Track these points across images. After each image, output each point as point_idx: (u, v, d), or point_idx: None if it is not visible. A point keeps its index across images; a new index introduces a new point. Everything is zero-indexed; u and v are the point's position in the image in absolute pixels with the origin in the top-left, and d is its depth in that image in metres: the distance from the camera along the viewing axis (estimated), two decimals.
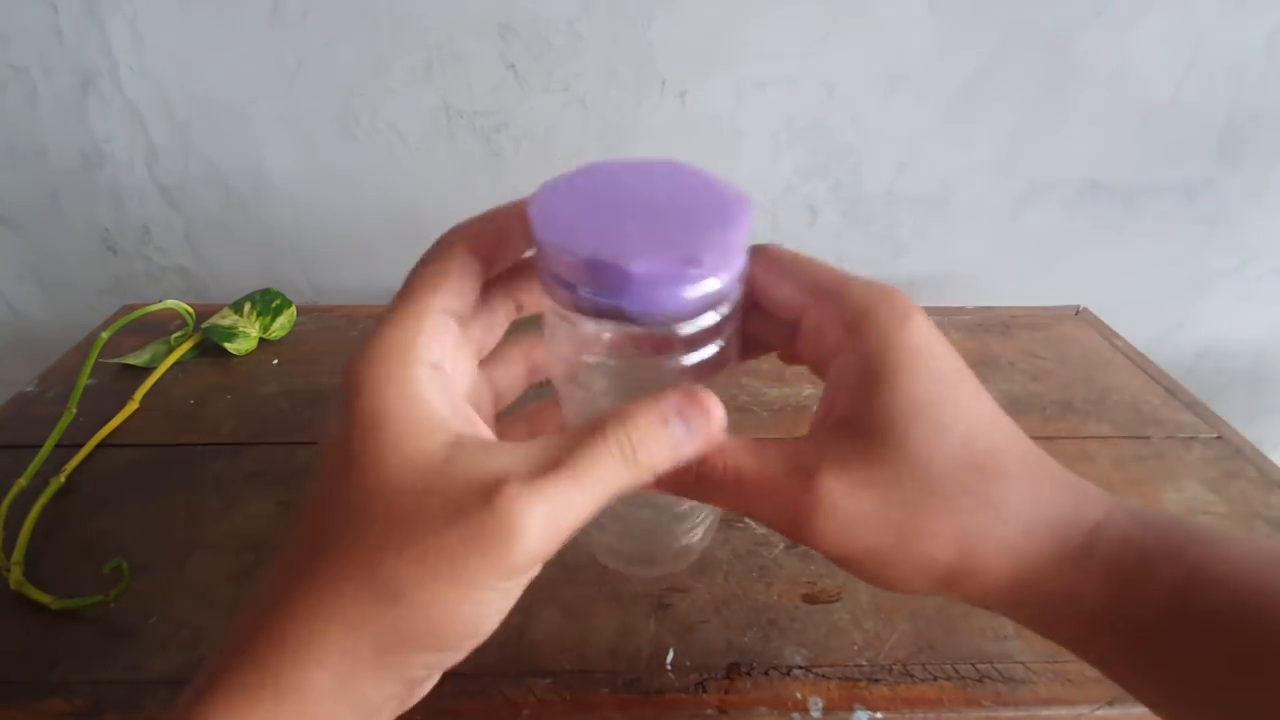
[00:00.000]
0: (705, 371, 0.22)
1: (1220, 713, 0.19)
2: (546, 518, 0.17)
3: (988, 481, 0.20)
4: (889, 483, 0.20)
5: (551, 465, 0.18)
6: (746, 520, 0.42)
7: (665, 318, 0.20)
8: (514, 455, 0.18)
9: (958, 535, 0.20)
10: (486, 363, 0.25)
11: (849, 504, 0.20)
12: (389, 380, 0.19)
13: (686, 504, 0.28)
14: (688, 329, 0.21)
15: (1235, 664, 0.18)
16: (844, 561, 0.21)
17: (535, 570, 0.19)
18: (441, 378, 0.20)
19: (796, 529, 0.20)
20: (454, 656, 0.19)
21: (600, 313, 0.20)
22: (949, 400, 0.21)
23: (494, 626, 0.19)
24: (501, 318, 0.24)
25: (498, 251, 0.23)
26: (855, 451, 0.20)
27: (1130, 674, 0.21)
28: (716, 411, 0.20)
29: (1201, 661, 0.19)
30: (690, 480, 0.21)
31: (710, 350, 0.22)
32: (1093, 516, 0.21)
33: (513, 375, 0.26)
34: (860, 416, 0.21)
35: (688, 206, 0.21)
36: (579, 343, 0.22)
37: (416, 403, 0.19)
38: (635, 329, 0.21)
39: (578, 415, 0.25)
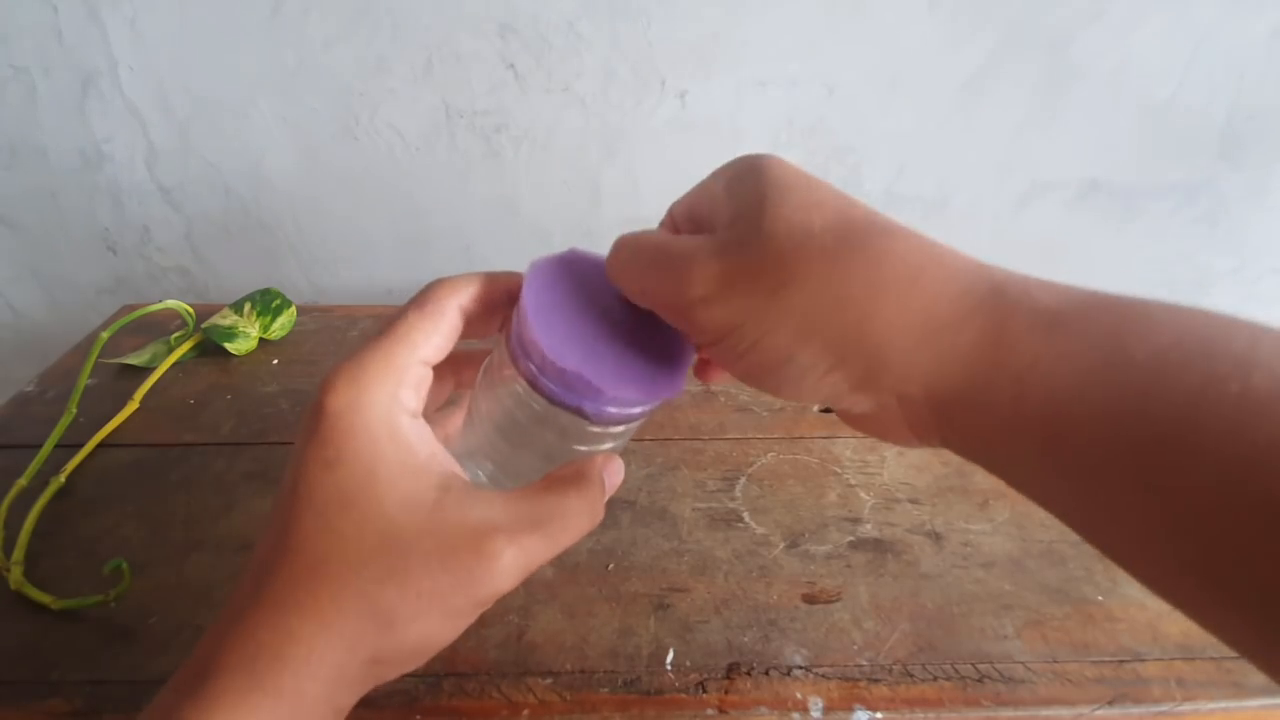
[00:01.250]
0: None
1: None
2: (521, 565, 0.21)
3: (848, 254, 0.22)
4: (747, 286, 0.21)
5: (532, 522, 0.21)
6: (746, 520, 0.42)
7: (614, 420, 0.25)
8: (498, 507, 0.21)
9: (819, 321, 0.20)
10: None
11: (714, 286, 0.21)
12: (380, 424, 0.21)
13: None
14: (627, 424, 0.26)
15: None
16: (722, 349, 0.22)
17: (491, 602, 0.21)
18: (418, 426, 0.22)
19: (679, 310, 0.22)
20: (420, 663, 0.21)
21: (561, 404, 0.24)
22: (794, 199, 0.24)
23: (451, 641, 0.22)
24: (449, 384, 0.28)
25: (481, 321, 0.25)
26: (720, 243, 0.22)
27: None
28: (623, 468, 0.25)
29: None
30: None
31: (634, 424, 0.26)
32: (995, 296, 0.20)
33: (440, 392, 0.28)
34: (729, 226, 0.23)
35: (652, 330, 0.25)
36: (521, 404, 0.25)
37: (406, 448, 0.21)
38: (583, 420, 0.24)
39: (481, 438, 0.27)
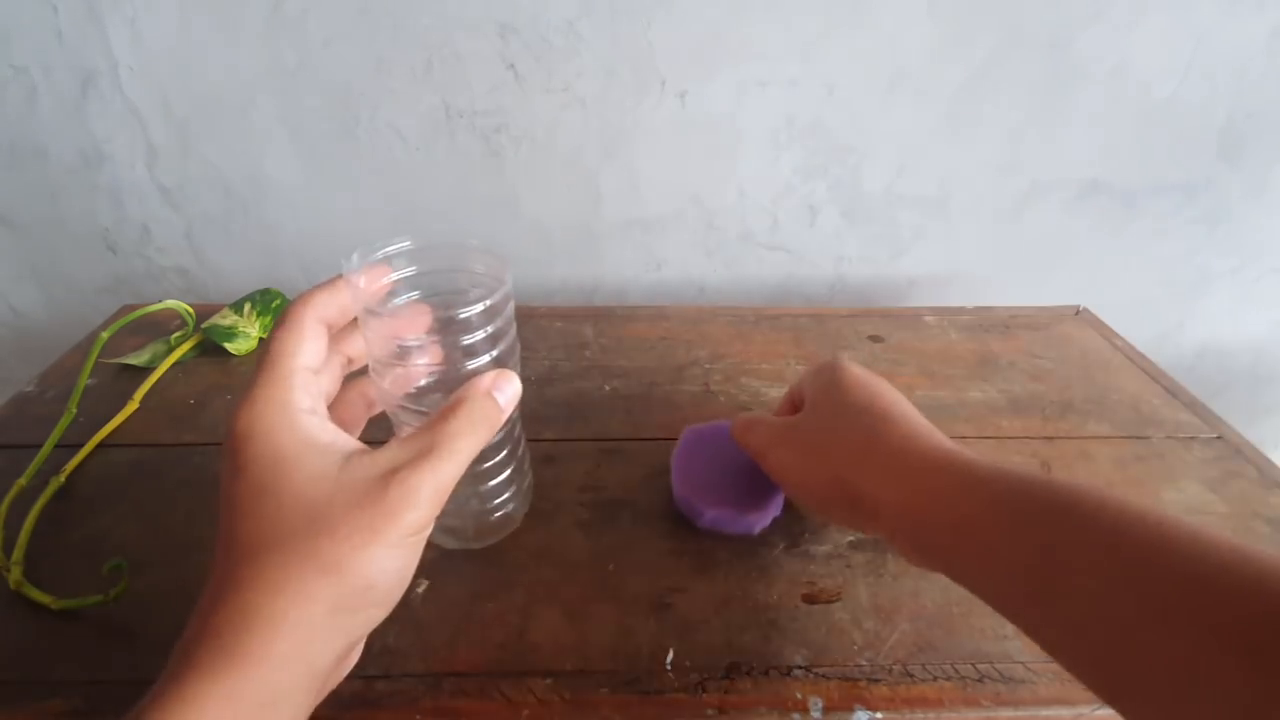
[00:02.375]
0: None
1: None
2: (431, 486, 0.24)
3: (862, 425, 0.34)
4: (797, 442, 0.37)
5: (426, 449, 0.25)
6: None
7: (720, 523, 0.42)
8: (395, 449, 0.25)
9: (834, 465, 0.34)
10: (334, 406, 0.31)
11: (770, 443, 0.38)
12: (277, 426, 0.24)
13: (490, 481, 0.38)
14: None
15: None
16: (790, 490, 0.38)
17: (429, 528, 0.25)
18: (318, 418, 0.26)
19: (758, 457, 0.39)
20: (384, 611, 0.24)
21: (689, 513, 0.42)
22: (840, 397, 0.36)
23: (409, 579, 0.25)
24: (339, 370, 0.31)
25: (336, 318, 0.29)
26: (789, 421, 0.38)
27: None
28: (516, 379, 0.29)
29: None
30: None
31: None
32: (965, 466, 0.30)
33: (355, 413, 0.32)
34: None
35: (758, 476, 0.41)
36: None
37: (306, 438, 0.25)
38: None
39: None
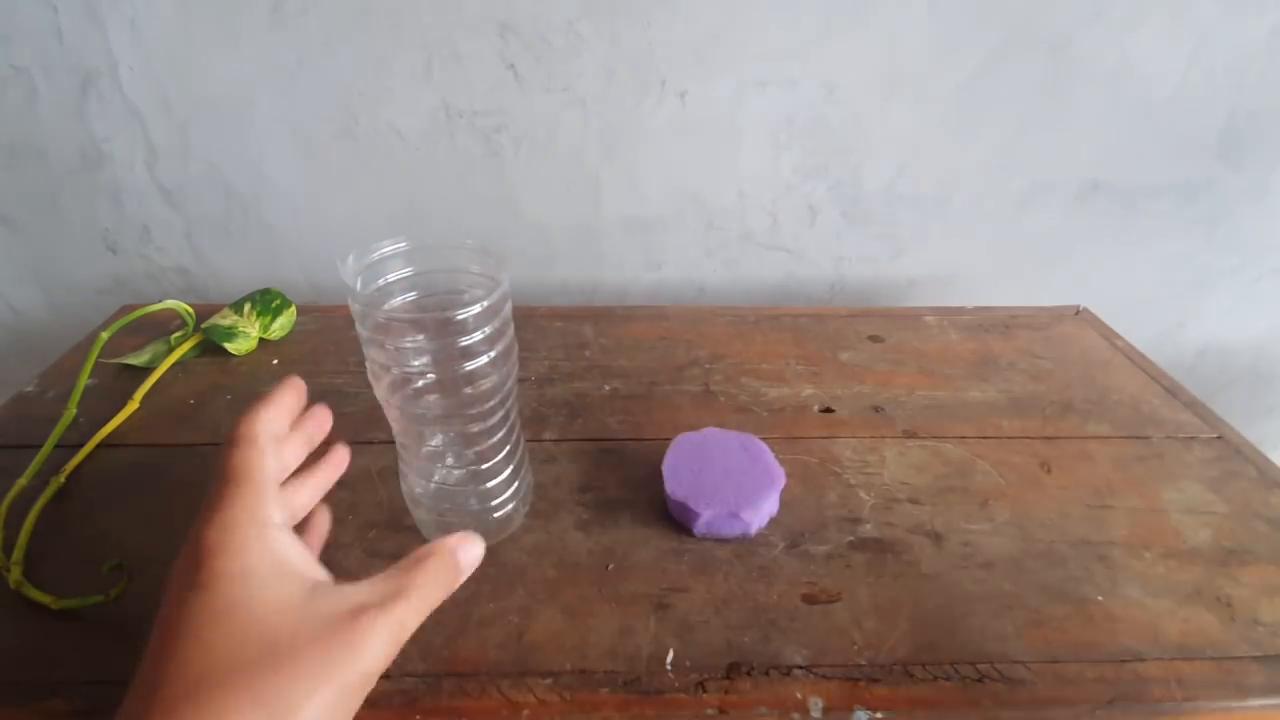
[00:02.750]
0: None
1: None
2: (393, 632, 0.24)
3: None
4: None
5: (395, 594, 0.24)
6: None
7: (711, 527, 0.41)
8: (364, 590, 0.24)
9: None
10: (288, 486, 0.30)
11: None
12: (250, 542, 0.24)
13: (490, 481, 0.38)
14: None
15: None
16: None
17: (378, 675, 0.24)
18: (287, 533, 0.25)
19: None
20: None
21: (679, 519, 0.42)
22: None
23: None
24: (301, 450, 0.31)
25: (283, 431, 0.29)
26: None
27: None
28: (481, 543, 0.28)
29: None
30: None
31: None
32: None
33: (314, 540, 0.32)
34: None
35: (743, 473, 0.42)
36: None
37: (278, 559, 0.24)
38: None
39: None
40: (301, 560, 0.25)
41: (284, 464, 0.29)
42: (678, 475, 0.42)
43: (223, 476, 0.26)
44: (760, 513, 0.40)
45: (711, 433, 0.45)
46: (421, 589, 0.25)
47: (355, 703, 0.23)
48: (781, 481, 0.42)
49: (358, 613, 0.23)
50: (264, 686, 0.21)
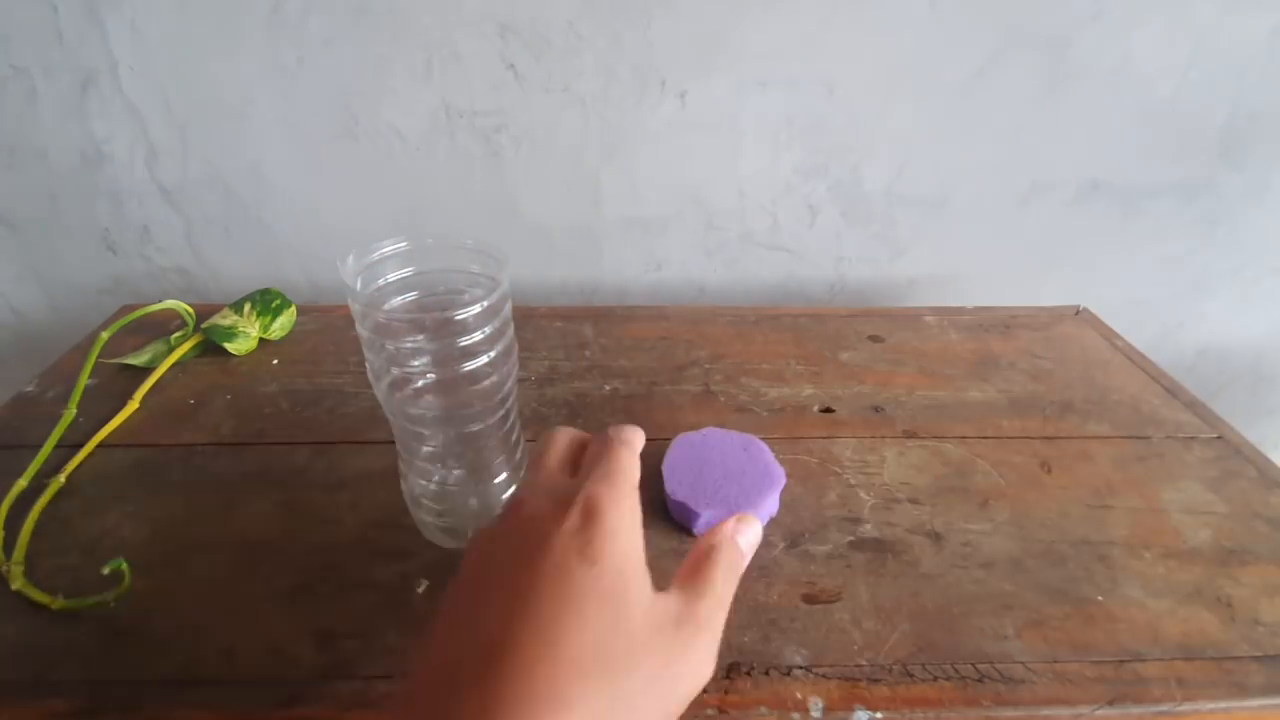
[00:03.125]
0: None
1: None
2: (713, 636, 0.24)
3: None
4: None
5: (701, 598, 0.25)
6: None
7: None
8: (676, 600, 0.24)
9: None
10: None
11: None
12: (633, 539, 0.24)
13: (490, 481, 0.39)
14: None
15: None
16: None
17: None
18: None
19: None
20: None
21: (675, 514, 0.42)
22: None
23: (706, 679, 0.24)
24: None
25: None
26: None
27: None
28: (758, 523, 0.29)
29: None
30: None
31: None
32: None
33: None
34: None
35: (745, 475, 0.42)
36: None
37: (641, 562, 0.24)
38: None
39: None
40: (647, 571, 0.25)
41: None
42: (677, 475, 0.42)
43: (614, 466, 0.26)
44: (760, 513, 0.40)
45: (711, 433, 0.45)
46: (718, 586, 0.25)
47: (681, 710, 0.23)
48: (782, 482, 0.42)
49: (680, 625, 0.23)
50: (621, 683, 0.21)
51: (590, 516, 0.24)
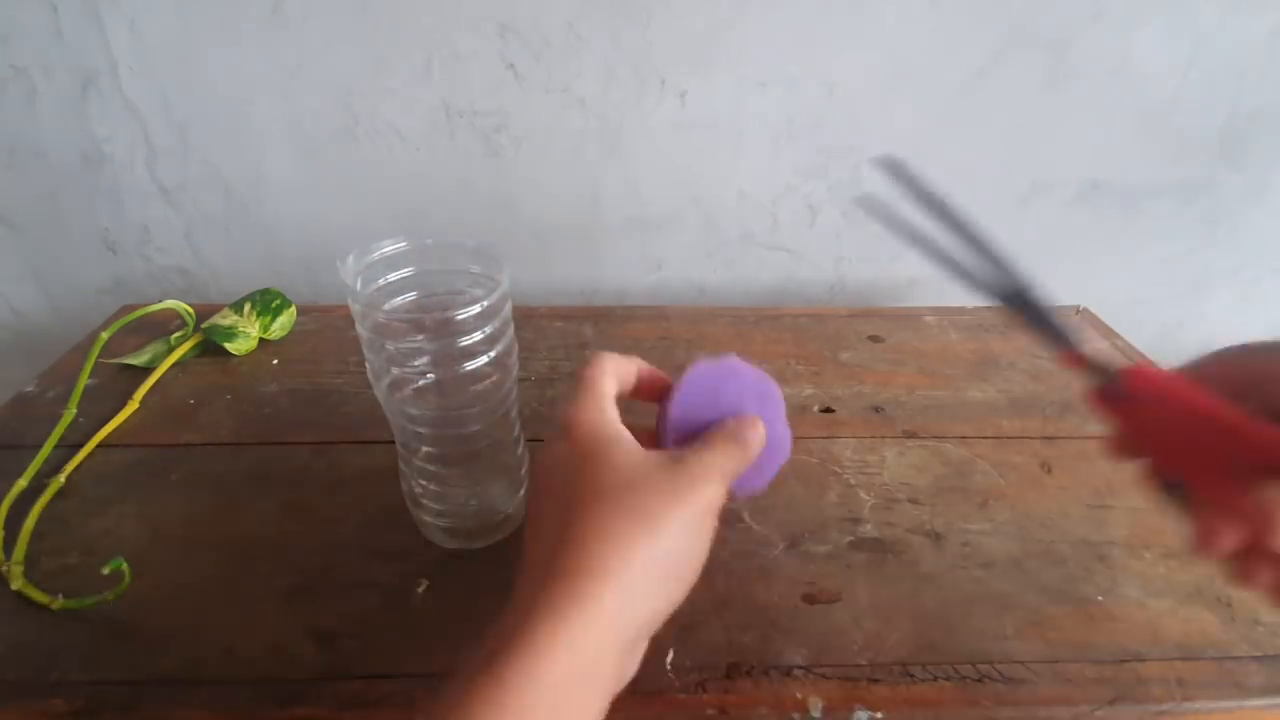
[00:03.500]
0: None
1: None
2: (719, 466, 0.27)
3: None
4: None
5: (707, 443, 0.28)
6: (746, 520, 0.42)
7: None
8: (676, 451, 0.28)
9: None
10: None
11: None
12: (597, 420, 0.28)
13: (490, 481, 0.39)
14: None
15: None
16: None
17: (717, 511, 0.27)
18: (622, 426, 0.29)
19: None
20: (682, 589, 0.27)
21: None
22: None
23: (702, 563, 0.27)
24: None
25: (622, 386, 0.32)
26: None
27: None
28: (760, 423, 0.30)
29: None
30: None
31: None
32: None
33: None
34: None
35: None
36: None
37: (616, 431, 0.28)
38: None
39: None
40: (632, 439, 0.28)
41: (616, 388, 0.32)
42: (684, 413, 0.33)
43: (577, 383, 0.30)
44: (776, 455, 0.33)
45: (718, 365, 0.34)
46: (711, 454, 0.28)
47: (708, 526, 0.27)
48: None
49: (684, 456, 0.27)
50: (632, 499, 0.25)
51: (562, 424, 0.29)
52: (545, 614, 0.23)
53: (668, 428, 0.33)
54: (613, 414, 0.29)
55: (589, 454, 0.27)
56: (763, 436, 0.30)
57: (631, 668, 0.27)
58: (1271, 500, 0.22)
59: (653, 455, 0.27)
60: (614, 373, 0.31)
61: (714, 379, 0.35)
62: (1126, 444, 0.28)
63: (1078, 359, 0.29)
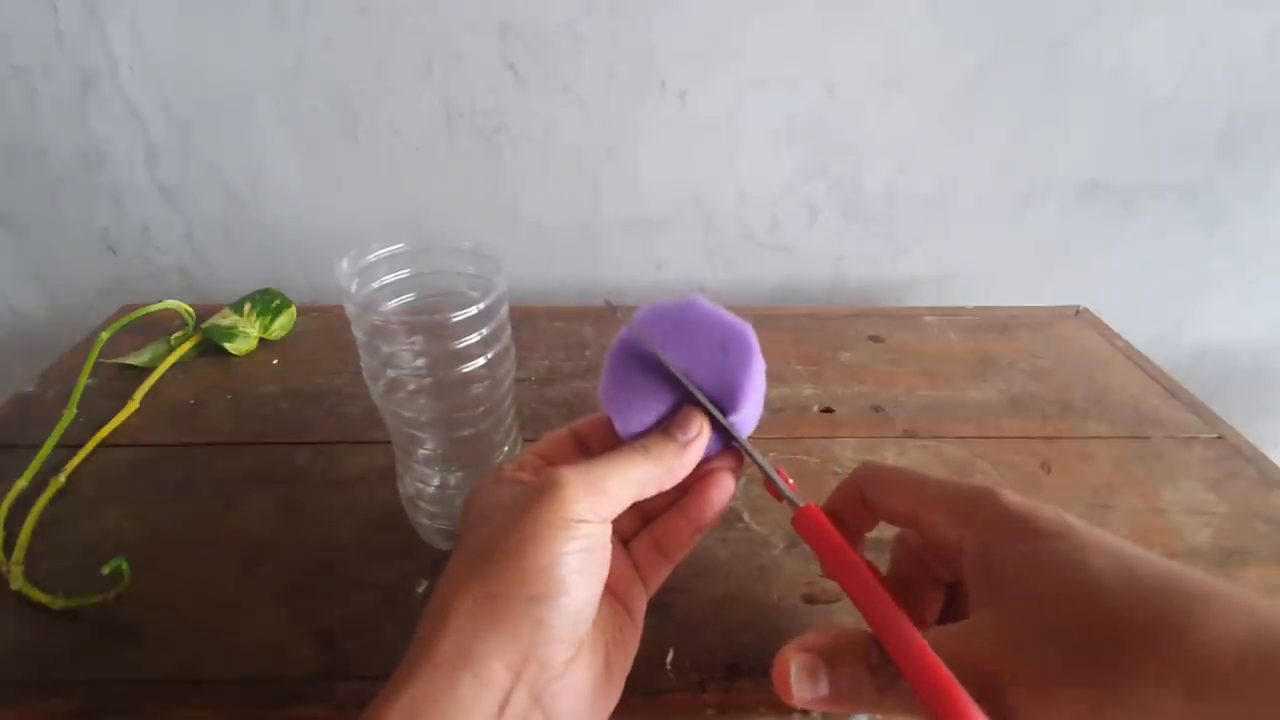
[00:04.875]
0: None
1: None
2: (580, 476, 0.26)
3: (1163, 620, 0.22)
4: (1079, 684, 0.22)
5: (594, 466, 0.27)
6: (746, 520, 0.42)
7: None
8: (566, 470, 0.26)
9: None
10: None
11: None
12: (488, 491, 0.28)
13: None
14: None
15: None
16: None
17: (582, 521, 0.25)
18: (523, 475, 0.29)
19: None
20: (545, 607, 0.23)
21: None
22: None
23: (568, 575, 0.24)
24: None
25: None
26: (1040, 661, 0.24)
27: None
28: (705, 426, 0.30)
29: None
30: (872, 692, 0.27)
31: None
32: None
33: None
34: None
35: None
36: None
37: (502, 481, 0.28)
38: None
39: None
40: (523, 479, 0.28)
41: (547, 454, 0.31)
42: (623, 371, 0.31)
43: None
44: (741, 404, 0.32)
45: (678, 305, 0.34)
46: (611, 456, 0.27)
47: (557, 540, 0.24)
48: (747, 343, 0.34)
49: (555, 482, 0.26)
50: (470, 538, 0.26)
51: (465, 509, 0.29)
52: (400, 678, 0.23)
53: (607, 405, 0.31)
54: (506, 477, 0.29)
55: (472, 521, 0.27)
56: (701, 426, 0.29)
57: (613, 693, 0.27)
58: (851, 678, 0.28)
59: (517, 488, 0.27)
60: (524, 459, 0.30)
61: (662, 332, 0.33)
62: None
63: (774, 492, 0.31)
